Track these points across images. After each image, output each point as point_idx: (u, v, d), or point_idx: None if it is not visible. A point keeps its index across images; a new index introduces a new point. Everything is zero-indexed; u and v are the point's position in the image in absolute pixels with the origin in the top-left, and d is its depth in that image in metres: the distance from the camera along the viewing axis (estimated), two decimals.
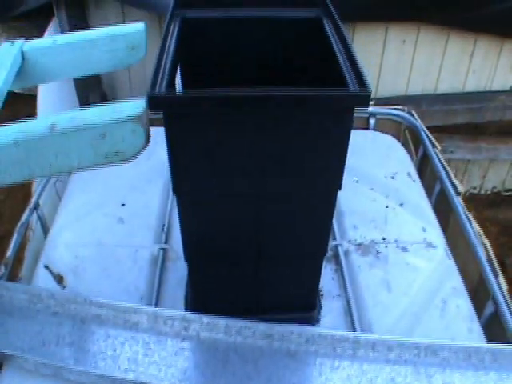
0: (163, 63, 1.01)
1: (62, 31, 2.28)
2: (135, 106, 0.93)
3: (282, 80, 1.23)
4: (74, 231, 1.61)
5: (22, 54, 1.23)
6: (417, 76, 3.06)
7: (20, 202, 1.95)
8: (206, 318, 1.24)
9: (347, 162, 2.09)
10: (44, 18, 2.22)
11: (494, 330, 1.43)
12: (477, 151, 3.27)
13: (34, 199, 1.67)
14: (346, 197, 1.80)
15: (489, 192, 3.85)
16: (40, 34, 2.09)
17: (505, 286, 1.45)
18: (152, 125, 0.96)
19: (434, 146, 2.08)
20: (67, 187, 1.85)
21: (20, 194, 2.07)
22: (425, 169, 2.13)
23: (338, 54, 1.08)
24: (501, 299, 1.42)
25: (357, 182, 1.90)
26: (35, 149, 0.91)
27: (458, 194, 1.82)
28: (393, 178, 1.92)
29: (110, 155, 0.96)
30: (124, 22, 2.60)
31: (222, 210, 1.13)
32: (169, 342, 1.21)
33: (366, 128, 2.28)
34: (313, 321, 1.42)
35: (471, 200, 3.91)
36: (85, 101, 2.51)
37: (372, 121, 2.28)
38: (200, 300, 1.35)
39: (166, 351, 1.19)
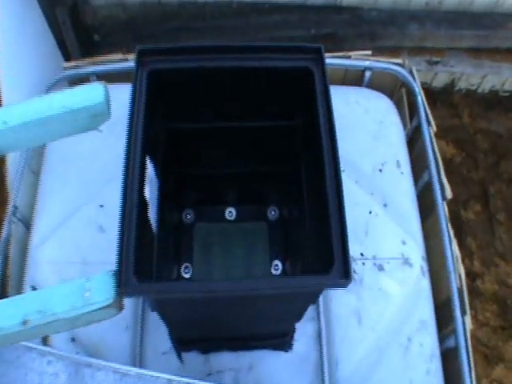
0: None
1: None
2: (104, 293, 0.89)
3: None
4: (55, 245, 1.61)
5: None
6: None
7: None
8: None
9: None
10: None
11: (451, 361, 1.56)
12: (479, 66, 3.09)
13: (11, 205, 1.63)
14: None
15: (486, 91, 3.71)
16: None
17: (469, 326, 1.53)
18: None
19: (429, 123, 1.97)
20: (43, 167, 1.80)
21: None
22: (417, 139, 2.04)
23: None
24: (461, 339, 1.52)
25: (343, 171, 1.85)
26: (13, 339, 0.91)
27: (444, 199, 1.78)
28: (380, 170, 1.87)
29: (86, 323, 0.95)
30: None
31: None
32: None
33: (360, 84, 2.13)
34: (286, 347, 1.54)
35: (466, 97, 3.78)
36: (53, 19, 2.24)
37: (368, 74, 2.12)
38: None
39: None
